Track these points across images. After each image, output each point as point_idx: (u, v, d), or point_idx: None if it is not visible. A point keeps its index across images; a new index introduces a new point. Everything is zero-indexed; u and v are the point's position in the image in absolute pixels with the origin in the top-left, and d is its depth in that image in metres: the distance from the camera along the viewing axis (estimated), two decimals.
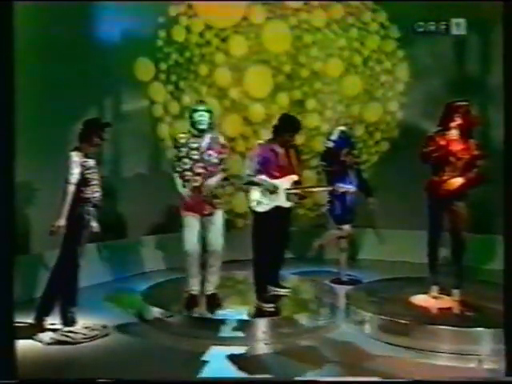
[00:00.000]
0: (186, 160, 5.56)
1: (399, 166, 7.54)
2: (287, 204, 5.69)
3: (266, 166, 5.64)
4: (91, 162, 5.31)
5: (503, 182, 3.80)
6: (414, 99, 8.19)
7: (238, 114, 8.44)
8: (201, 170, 5.53)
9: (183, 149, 5.58)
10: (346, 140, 6.98)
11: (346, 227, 7.06)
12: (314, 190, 6.68)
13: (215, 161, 5.58)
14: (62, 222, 5.12)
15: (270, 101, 8.40)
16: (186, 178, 5.56)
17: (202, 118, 5.56)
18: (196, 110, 5.62)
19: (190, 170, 5.55)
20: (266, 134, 6.03)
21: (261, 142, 5.90)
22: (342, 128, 7.05)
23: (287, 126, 5.69)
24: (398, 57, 8.30)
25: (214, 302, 5.68)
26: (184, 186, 5.58)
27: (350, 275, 7.17)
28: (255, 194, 5.62)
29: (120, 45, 7.26)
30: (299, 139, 7.96)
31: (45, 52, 6.33)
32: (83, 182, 5.23)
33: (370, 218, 7.67)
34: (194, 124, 5.61)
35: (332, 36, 8.44)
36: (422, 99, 8.04)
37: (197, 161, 5.54)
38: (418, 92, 8.16)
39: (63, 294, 5.37)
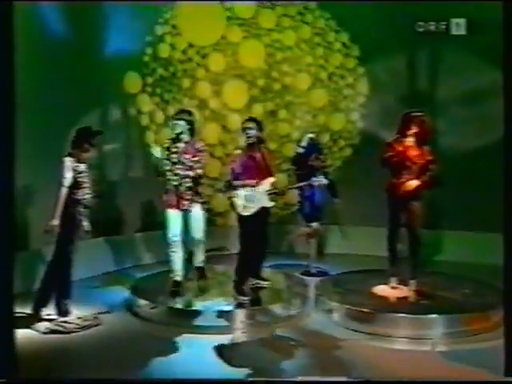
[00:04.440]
0: (167, 162, 5.54)
1: (361, 169, 7.44)
2: (270, 204, 5.53)
3: (248, 171, 5.45)
4: (83, 167, 5.16)
5: (504, 182, 3.62)
6: (373, 110, 8.10)
7: (217, 123, 8.28)
8: (178, 171, 5.52)
9: (166, 152, 5.58)
10: (313, 146, 6.90)
11: (315, 224, 6.95)
12: (291, 187, 6.55)
13: (190, 164, 5.53)
14: (56, 221, 5.00)
15: (245, 111, 8.19)
16: (167, 177, 5.56)
17: (177, 125, 5.57)
18: (173, 118, 5.72)
19: (170, 170, 5.53)
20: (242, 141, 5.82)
21: (238, 151, 5.67)
22: (310, 135, 6.98)
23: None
24: (359, 73, 8.19)
25: (200, 274, 5.82)
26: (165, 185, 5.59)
27: (318, 268, 7.01)
28: (240, 200, 5.39)
29: (111, 60, 7.10)
30: (272, 145, 7.93)
31: (50, 68, 6.24)
32: (75, 185, 5.08)
33: (335, 216, 7.53)
34: (172, 130, 5.64)
35: (300, 54, 8.31)
36: (380, 110, 7.96)
37: (175, 163, 5.52)
38: (376, 104, 8.07)
39: (58, 287, 5.20)
